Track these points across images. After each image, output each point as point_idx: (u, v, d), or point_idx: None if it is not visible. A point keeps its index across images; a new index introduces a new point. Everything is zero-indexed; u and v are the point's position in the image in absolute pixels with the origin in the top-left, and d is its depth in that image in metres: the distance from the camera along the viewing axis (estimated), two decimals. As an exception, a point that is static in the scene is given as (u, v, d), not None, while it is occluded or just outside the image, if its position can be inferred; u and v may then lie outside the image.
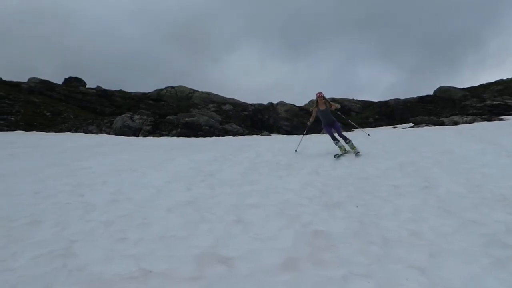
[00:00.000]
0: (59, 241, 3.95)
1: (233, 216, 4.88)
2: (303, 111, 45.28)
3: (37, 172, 8.79)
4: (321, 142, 15.04)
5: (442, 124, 24.96)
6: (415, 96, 49.18)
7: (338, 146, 10.38)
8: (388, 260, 3.35)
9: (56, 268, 3.32)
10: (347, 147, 10.36)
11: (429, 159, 8.87)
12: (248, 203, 5.59)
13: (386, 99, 50.96)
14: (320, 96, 10.25)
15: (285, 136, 27.09)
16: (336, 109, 10.47)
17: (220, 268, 3.28)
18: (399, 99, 49.40)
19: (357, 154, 9.98)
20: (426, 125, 24.72)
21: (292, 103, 46.60)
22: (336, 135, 10.47)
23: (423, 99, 47.98)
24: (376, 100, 52.79)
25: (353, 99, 54.71)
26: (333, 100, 52.49)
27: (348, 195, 5.99)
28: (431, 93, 49.70)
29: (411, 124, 28.79)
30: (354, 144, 10.27)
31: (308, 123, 11.37)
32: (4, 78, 46.75)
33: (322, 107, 10.26)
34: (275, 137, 25.06)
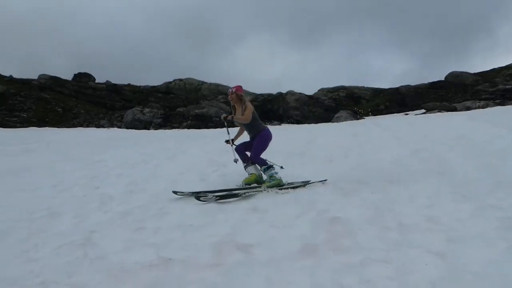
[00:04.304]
0: (78, 232, 4.02)
1: (248, 204, 4.91)
2: (313, 99, 45.08)
3: (52, 167, 8.91)
4: (331, 133, 15.03)
5: (454, 109, 24.70)
6: (426, 82, 48.60)
7: (249, 173, 6.29)
8: (406, 246, 3.34)
9: (77, 257, 3.37)
10: (264, 176, 6.23)
11: (443, 145, 8.81)
12: (262, 191, 5.61)
13: (397, 86, 50.43)
14: (230, 92, 6.38)
15: (296, 125, 27.05)
16: (237, 119, 6.18)
17: (238, 255, 3.30)
18: (410, 85, 48.84)
19: (267, 189, 5.71)
20: (438, 111, 24.46)
21: (302, 92, 46.38)
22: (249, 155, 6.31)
23: (434, 85, 47.37)
24: (386, 87, 52.23)
25: (363, 86, 54.21)
26: (343, 88, 52.02)
27: (363, 182, 5.97)
28: (442, 78, 49.06)
29: (423, 111, 28.49)
30: (277, 175, 6.09)
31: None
32: (15, 76, 47.12)
33: (238, 110, 6.25)
34: (285, 127, 25.04)
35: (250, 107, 6.16)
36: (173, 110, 33.63)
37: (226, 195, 5.29)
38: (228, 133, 6.64)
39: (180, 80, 55.05)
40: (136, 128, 29.13)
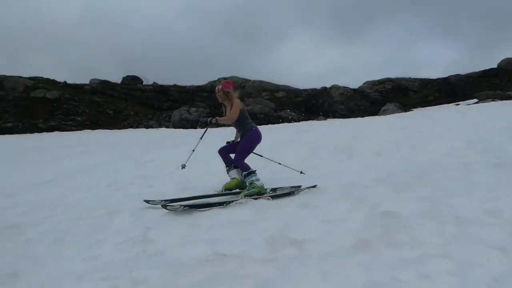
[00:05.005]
0: (136, 229, 4.18)
1: (298, 200, 4.92)
2: (359, 93, 44.27)
3: (107, 167, 9.30)
4: (378, 126, 14.71)
5: (509, 98, 23.46)
6: (477, 70, 46.44)
7: (231, 178, 5.92)
8: (465, 240, 3.23)
9: (136, 253, 3.52)
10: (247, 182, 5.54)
11: (500, 135, 8.39)
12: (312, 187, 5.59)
13: (446, 75, 48.46)
14: (217, 89, 5.86)
15: (341, 119, 26.69)
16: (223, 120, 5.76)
17: (292, 250, 3.32)
18: (459, 74, 46.84)
19: (245, 197, 5.17)
20: (492, 100, 23.32)
21: (346, 85, 45.63)
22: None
23: (486, 73, 45.17)
24: (435, 77, 50.28)
25: (410, 77, 52.51)
26: (389, 80, 50.60)
27: (415, 175, 5.81)
28: (495, 66, 46.73)
29: (475, 100, 27.27)
30: (258, 183, 5.47)
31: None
32: (69, 82, 49.52)
33: (227, 108, 5.82)
34: (331, 121, 24.77)
35: (237, 104, 5.65)
36: (218, 109, 34.09)
37: (196, 204, 4.91)
38: (200, 138, 6.13)
39: (224, 78, 55.74)
40: (183, 128, 29.85)
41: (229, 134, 5.96)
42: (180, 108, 34.54)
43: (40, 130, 32.76)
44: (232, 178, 5.84)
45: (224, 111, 5.91)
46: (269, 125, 25.02)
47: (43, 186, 7.63)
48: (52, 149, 17.13)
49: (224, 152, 6.02)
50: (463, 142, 8.14)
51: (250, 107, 32.94)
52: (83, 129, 32.86)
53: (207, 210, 4.74)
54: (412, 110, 29.38)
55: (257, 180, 5.48)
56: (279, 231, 3.76)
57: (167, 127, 31.69)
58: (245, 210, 4.65)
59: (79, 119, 36.79)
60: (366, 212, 4.17)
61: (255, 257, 3.23)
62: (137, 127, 33.26)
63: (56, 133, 30.74)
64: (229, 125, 6.11)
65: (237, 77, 55.85)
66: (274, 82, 52.75)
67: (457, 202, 4.26)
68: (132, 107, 43.54)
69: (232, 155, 5.89)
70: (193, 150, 6.10)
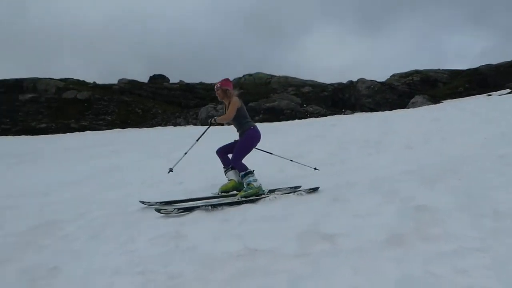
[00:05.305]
0: (169, 225, 4.26)
1: (328, 194, 4.90)
2: (386, 86, 43.55)
3: (139, 165, 9.49)
4: (408, 119, 14.45)
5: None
6: (509, 60, 44.90)
7: (228, 179, 5.80)
8: (504, 234, 3.13)
9: (170, 249, 3.59)
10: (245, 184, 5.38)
11: (537, 125, 8.11)
12: (341, 181, 5.56)
13: (477, 66, 47.07)
14: (216, 88, 5.70)
15: (369, 113, 26.34)
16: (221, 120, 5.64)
17: (324, 245, 3.31)
18: (491, 64, 45.43)
19: (241, 199, 5.11)
20: (526, 90, 22.51)
21: (373, 79, 44.97)
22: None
23: (519, 63, 43.63)
24: (465, 68, 48.91)
25: (439, 69, 51.25)
26: (417, 72, 49.51)
27: (447, 167, 5.69)
28: (529, 54, 45.08)
29: (508, 90, 26.38)
30: (256, 183, 5.32)
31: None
32: (98, 82, 50.67)
33: (227, 105, 5.72)
34: (358, 115, 24.47)
35: (235, 102, 5.47)
36: (244, 105, 34.23)
37: (190, 207, 4.80)
38: (197, 140, 5.94)
39: (250, 75, 55.89)
40: (210, 125, 30.02)
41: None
42: (207, 106, 34.83)
43: (72, 130, 33.70)
44: (229, 180, 5.68)
45: (224, 109, 5.78)
46: (296, 120, 24.94)
47: (78, 184, 7.87)
48: (85, 148, 17.62)
49: (221, 152, 5.85)
50: (497, 134, 7.91)
51: (276, 103, 32.90)
52: (113, 128, 33.60)
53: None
54: (441, 102, 28.70)
55: (255, 180, 5.30)
56: (310, 226, 3.76)
57: (195, 124, 32.02)
58: (276, 205, 4.66)
59: (109, 118, 37.65)
60: (398, 205, 4.11)
61: (286, 252, 3.24)
62: (165, 125, 33.75)
63: (88, 132, 31.53)
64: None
65: (263, 73, 55.85)
66: (299, 77, 52.52)
67: (494, 195, 4.14)
68: (160, 106, 44.22)
69: (230, 155, 5.69)
70: (185, 153, 6.00)
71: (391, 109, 29.68)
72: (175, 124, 33.21)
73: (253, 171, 5.41)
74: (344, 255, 3.07)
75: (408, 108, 27.94)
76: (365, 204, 4.31)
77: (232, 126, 5.79)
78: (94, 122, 36.40)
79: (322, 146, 9.43)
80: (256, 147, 5.88)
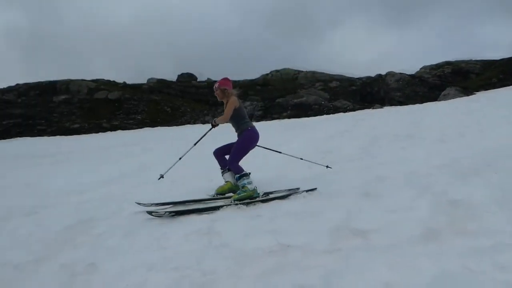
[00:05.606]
0: (201, 221, 4.30)
1: (359, 189, 4.84)
2: (416, 79, 42.60)
3: (167, 163, 9.62)
4: (440, 112, 14.10)
5: None
6: (548, 48, 43.05)
7: (225, 181, 5.70)
8: (544, 229, 3.04)
9: (204, 245, 3.63)
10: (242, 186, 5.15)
11: None
12: (373, 176, 5.48)
13: (511, 55, 45.32)
14: (214, 88, 5.73)
15: (399, 107, 25.85)
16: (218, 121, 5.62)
17: (356, 240, 3.29)
18: (527, 53, 43.63)
19: (234, 202, 4.92)
20: None
21: (402, 72, 44.04)
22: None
23: (559, 50, 41.75)
24: (498, 58, 47.16)
25: (471, 59, 49.65)
26: (448, 63, 48.11)
27: (483, 161, 5.52)
28: None
29: (547, 80, 25.32)
30: (250, 186, 5.10)
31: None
32: (128, 82, 51.67)
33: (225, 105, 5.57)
34: (388, 109, 24.06)
35: (232, 102, 5.33)
36: (272, 102, 34.20)
37: (182, 210, 4.73)
38: (194, 145, 5.92)
39: (277, 71, 55.70)
40: (238, 122, 30.18)
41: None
42: (235, 103, 34.97)
43: (104, 130, 34.53)
44: (226, 182, 5.56)
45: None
46: (324, 116, 24.75)
47: (111, 183, 8.07)
48: (116, 147, 18.05)
49: (218, 153, 5.71)
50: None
51: (304, 99, 32.71)
52: (143, 127, 34.23)
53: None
54: (475, 94, 27.86)
55: (249, 183, 5.10)
56: (341, 222, 3.73)
57: (222, 121, 32.24)
58: (307, 201, 4.65)
59: (139, 117, 38.36)
60: (432, 200, 4.03)
61: (319, 248, 3.23)
62: (194, 123, 34.15)
63: (119, 131, 32.27)
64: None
65: (289, 69, 55.58)
66: (327, 72, 51.98)
67: (534, 189, 4.00)
68: (188, 104, 44.71)
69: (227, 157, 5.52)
70: (180, 158, 5.94)
71: (421, 102, 29.03)
72: (203, 122, 33.52)
73: (249, 173, 5.23)
74: (378, 251, 3.03)
75: (440, 101, 27.26)
76: (398, 199, 4.24)
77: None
78: (125, 121, 37.17)
79: (351, 141, 9.33)
80: (265, 146, 5.82)
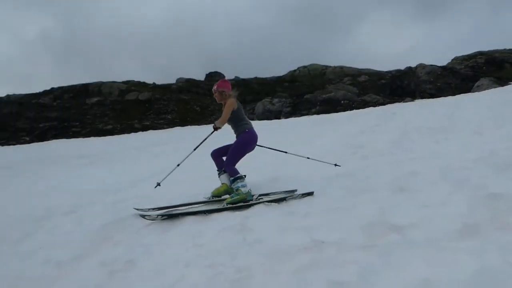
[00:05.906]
0: (235, 218, 4.34)
1: (393, 184, 4.75)
2: (447, 70, 41.44)
3: (202, 161, 9.73)
4: (474, 103, 13.68)
5: None
6: None
7: (221, 183, 5.63)
8: None
9: (238, 241, 3.66)
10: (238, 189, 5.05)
11: None
12: (406, 170, 5.37)
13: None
14: (213, 90, 5.61)
15: (430, 99, 25.24)
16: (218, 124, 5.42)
17: (392, 236, 3.24)
18: None
19: (227, 205, 4.89)
20: None
21: (433, 63, 42.90)
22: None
23: None
24: (536, 46, 45.21)
25: (505, 49, 47.79)
26: (481, 54, 46.46)
27: (523, 153, 5.32)
28: None
29: None
30: (244, 189, 5.01)
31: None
32: (157, 83, 52.50)
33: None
34: (420, 102, 23.53)
35: (230, 103, 5.26)
36: (300, 98, 34.01)
37: (175, 213, 4.77)
38: (194, 150, 5.89)
39: (304, 67, 55.31)
40: (267, 119, 30.23)
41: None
42: (263, 100, 35.01)
43: (136, 130, 35.20)
44: (222, 184, 5.52)
45: None
46: (354, 111, 24.43)
47: (145, 182, 8.23)
48: (148, 147, 18.38)
49: (216, 154, 5.66)
50: None
51: (332, 94, 32.39)
52: (174, 127, 34.73)
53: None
54: (510, 84, 26.86)
55: (243, 186, 5.02)
56: (376, 217, 3.68)
57: (251, 119, 32.26)
58: (340, 196, 4.62)
59: (169, 117, 38.92)
60: (469, 194, 3.92)
61: (354, 244, 3.20)
62: (223, 121, 34.32)
63: (150, 131, 32.85)
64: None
65: (317, 65, 55.08)
66: (355, 66, 51.24)
67: None
68: (217, 103, 45.01)
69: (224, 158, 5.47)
70: (178, 165, 5.91)
71: (454, 94, 28.23)
72: (231, 120, 33.68)
73: (244, 176, 5.18)
74: (415, 247, 2.97)
75: (473, 92, 26.45)
76: (434, 194, 4.15)
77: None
78: (155, 121, 37.80)
79: (382, 135, 9.17)
80: (270, 147, 5.77)
